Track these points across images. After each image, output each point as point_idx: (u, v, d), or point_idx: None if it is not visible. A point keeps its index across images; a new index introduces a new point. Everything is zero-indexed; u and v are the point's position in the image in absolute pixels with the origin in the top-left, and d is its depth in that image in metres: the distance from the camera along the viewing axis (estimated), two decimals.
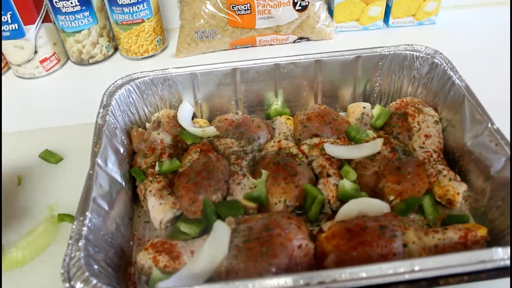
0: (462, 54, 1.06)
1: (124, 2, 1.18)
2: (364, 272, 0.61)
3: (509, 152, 0.77)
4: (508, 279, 0.69)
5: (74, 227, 0.71)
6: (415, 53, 1.01)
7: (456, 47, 1.19)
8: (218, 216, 0.81)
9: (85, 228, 0.71)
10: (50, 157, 1.02)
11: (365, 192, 0.82)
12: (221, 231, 0.74)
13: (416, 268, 0.61)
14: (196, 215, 0.82)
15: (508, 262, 0.62)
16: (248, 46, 1.31)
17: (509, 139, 0.79)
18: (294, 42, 1.32)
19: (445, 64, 0.97)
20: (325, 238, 0.74)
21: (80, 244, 0.68)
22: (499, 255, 0.62)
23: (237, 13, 1.22)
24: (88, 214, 0.73)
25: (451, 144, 0.92)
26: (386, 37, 1.36)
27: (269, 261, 0.70)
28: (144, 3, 1.20)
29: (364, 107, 1.02)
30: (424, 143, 0.91)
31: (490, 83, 1.11)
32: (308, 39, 1.33)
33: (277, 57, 1.01)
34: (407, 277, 0.60)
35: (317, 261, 0.73)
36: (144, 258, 0.76)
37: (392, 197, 0.81)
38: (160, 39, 1.31)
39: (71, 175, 0.97)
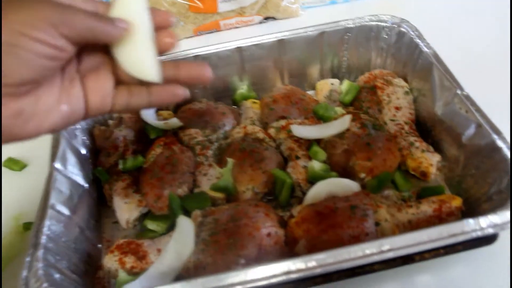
0: (430, 21, 1.03)
1: None
2: (332, 257, 0.58)
3: (479, 118, 0.74)
4: (488, 246, 0.67)
5: (32, 236, 0.68)
6: (381, 24, 0.97)
7: (424, 15, 1.16)
8: (185, 210, 0.78)
9: (43, 237, 0.68)
10: (13, 164, 0.98)
11: (335, 172, 0.79)
12: (185, 226, 0.71)
13: (385, 248, 0.58)
14: (163, 211, 0.79)
15: (479, 233, 0.59)
16: (213, 31, 1.27)
17: (479, 105, 0.76)
18: (260, 22, 1.28)
19: (411, 33, 0.93)
20: (295, 223, 0.71)
21: (38, 254, 0.65)
22: (470, 226, 0.59)
23: None
24: (46, 221, 0.70)
25: (423, 114, 0.89)
26: (356, 9, 1.32)
27: (238, 252, 0.67)
28: None
29: (332, 84, 0.99)
30: (395, 115, 0.88)
31: (460, 49, 1.08)
32: (274, 19, 1.29)
33: (238, 40, 0.97)
34: (376, 258, 0.58)
35: (289, 248, 0.71)
36: (110, 261, 0.73)
37: (363, 175, 0.78)
38: None
39: (36, 181, 0.93)
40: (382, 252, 0.58)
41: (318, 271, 0.57)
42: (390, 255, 0.58)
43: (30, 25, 0.45)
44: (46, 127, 0.51)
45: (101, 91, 0.56)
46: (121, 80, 0.58)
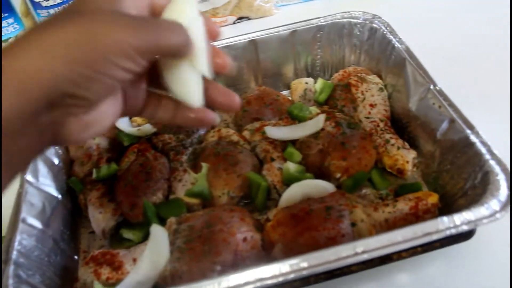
0: (402, 17, 1.02)
1: (48, 4, 1.12)
2: (305, 262, 0.57)
3: (452, 113, 0.73)
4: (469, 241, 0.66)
5: (2, 252, 0.66)
6: (353, 20, 0.97)
7: (397, 10, 1.16)
8: (161, 217, 0.77)
9: (14, 252, 0.66)
10: None
11: (311, 173, 0.79)
12: (158, 234, 0.70)
13: (359, 250, 0.57)
14: (138, 219, 0.78)
15: (454, 231, 0.59)
16: None
17: (452, 100, 0.76)
18: (234, 23, 1.27)
19: (384, 28, 0.93)
20: (271, 227, 0.70)
21: (9, 270, 0.64)
22: (445, 224, 0.59)
23: None
24: (17, 236, 0.68)
25: (398, 111, 0.88)
26: (331, 6, 1.31)
27: (213, 259, 0.66)
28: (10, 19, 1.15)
29: (307, 83, 0.98)
30: (369, 113, 0.87)
31: (433, 44, 1.07)
32: (248, 18, 1.28)
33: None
34: (350, 261, 0.57)
35: (266, 252, 0.70)
36: (85, 273, 0.72)
37: (339, 175, 0.78)
38: None
39: (7, 195, 0.92)
40: (356, 254, 0.57)
41: (292, 276, 0.56)
42: (365, 257, 0.57)
43: (116, 51, 0.42)
44: (99, 131, 0.50)
45: (135, 97, 0.54)
46: (154, 86, 0.56)
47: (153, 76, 0.54)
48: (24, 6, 1.19)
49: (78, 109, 0.45)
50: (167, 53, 0.49)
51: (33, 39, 0.41)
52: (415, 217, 0.70)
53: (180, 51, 0.49)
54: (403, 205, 0.71)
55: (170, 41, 0.47)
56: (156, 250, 0.69)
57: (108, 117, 0.50)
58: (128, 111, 0.55)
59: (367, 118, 0.86)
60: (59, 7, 1.13)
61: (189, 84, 0.52)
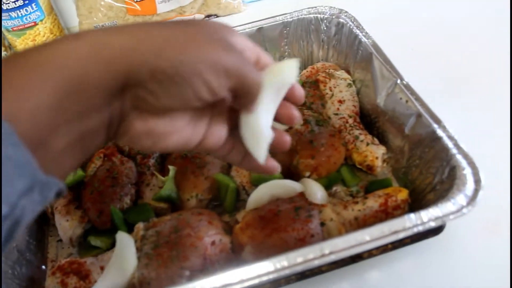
0: (370, 10, 1.02)
1: (9, 6, 1.09)
2: (272, 265, 0.56)
3: (419, 107, 0.73)
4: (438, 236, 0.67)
5: None
6: (319, 15, 0.96)
7: (363, 4, 1.16)
8: (128, 223, 0.75)
9: None
10: None
11: (279, 173, 0.77)
12: (125, 242, 0.68)
13: (326, 251, 0.56)
14: (106, 226, 0.76)
15: (421, 228, 0.58)
16: None
17: (419, 94, 0.75)
18: None
19: (350, 23, 0.92)
20: (239, 229, 0.69)
21: None
22: (412, 221, 0.58)
23: (135, 0, 1.15)
24: None
25: (367, 106, 0.88)
26: (300, 1, 1.29)
27: (181, 264, 0.65)
28: (33, 5, 1.11)
29: None
30: (338, 109, 0.86)
31: (401, 38, 1.07)
32: (217, 16, 1.26)
33: None
34: (317, 262, 0.56)
35: (236, 254, 0.69)
36: (52, 284, 0.70)
37: (308, 173, 0.77)
38: None
39: None
40: (323, 256, 0.56)
41: (257, 281, 0.55)
42: (332, 258, 0.56)
43: (206, 65, 0.42)
44: (160, 147, 0.50)
45: (217, 135, 0.54)
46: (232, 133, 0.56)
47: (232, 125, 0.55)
48: None
49: (145, 105, 0.44)
50: (242, 86, 0.47)
51: (136, 25, 0.42)
52: (385, 213, 0.69)
53: (250, 91, 0.48)
54: (373, 202, 0.70)
55: (250, 74, 0.46)
56: (122, 258, 0.68)
57: (174, 134, 0.50)
58: (205, 148, 0.54)
59: (336, 114, 0.85)
60: (21, 10, 1.10)
61: (258, 140, 0.53)
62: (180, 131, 0.49)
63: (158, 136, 0.48)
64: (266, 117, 0.53)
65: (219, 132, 0.54)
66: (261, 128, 0.52)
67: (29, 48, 0.39)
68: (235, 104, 0.50)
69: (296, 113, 0.56)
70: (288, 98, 0.55)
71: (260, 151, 0.54)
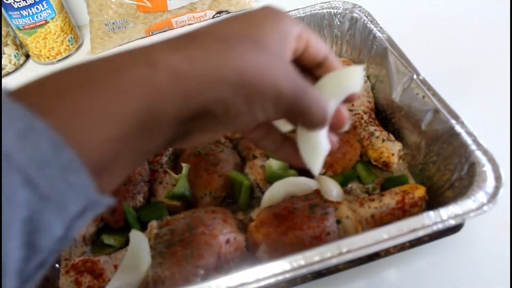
0: (384, 5, 1.01)
1: (20, 5, 1.08)
2: (288, 264, 0.55)
3: (436, 103, 0.72)
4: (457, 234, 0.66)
5: None
6: (332, 10, 0.95)
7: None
8: (142, 221, 0.75)
9: None
10: None
11: (294, 170, 0.76)
12: (138, 240, 0.68)
13: (344, 250, 0.55)
14: (119, 224, 0.76)
15: (441, 226, 0.57)
16: (165, 30, 1.23)
17: (436, 89, 0.74)
18: (213, 17, 1.24)
19: (364, 18, 0.91)
20: (254, 227, 0.68)
21: None
22: (431, 219, 0.57)
23: None
24: None
25: (382, 102, 0.86)
26: None
27: (195, 263, 0.64)
28: (44, 3, 1.11)
29: None
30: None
31: (416, 32, 1.05)
32: (228, 12, 1.25)
33: None
34: (334, 261, 0.55)
35: (251, 252, 0.68)
36: (66, 282, 0.69)
37: (323, 170, 0.76)
38: (71, 37, 1.22)
39: None
40: (341, 254, 0.55)
41: (273, 280, 0.54)
42: (350, 256, 0.55)
43: (271, 96, 0.42)
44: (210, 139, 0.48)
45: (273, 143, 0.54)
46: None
47: None
48: None
49: (212, 129, 0.44)
50: (302, 122, 0.47)
51: (211, 45, 0.40)
52: (402, 211, 0.68)
53: (312, 126, 0.48)
54: (390, 200, 0.69)
55: (311, 114, 0.45)
56: (136, 256, 0.67)
57: (219, 131, 0.48)
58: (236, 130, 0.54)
59: (351, 110, 0.84)
60: (32, 8, 1.10)
61: (316, 153, 0.52)
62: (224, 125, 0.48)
63: (210, 134, 0.47)
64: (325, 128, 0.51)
65: (274, 140, 0.54)
66: (320, 141, 0.51)
67: (98, 62, 0.37)
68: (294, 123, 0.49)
69: (347, 118, 0.53)
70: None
71: (316, 164, 0.53)
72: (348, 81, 0.49)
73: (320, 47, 0.50)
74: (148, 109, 0.36)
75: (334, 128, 0.52)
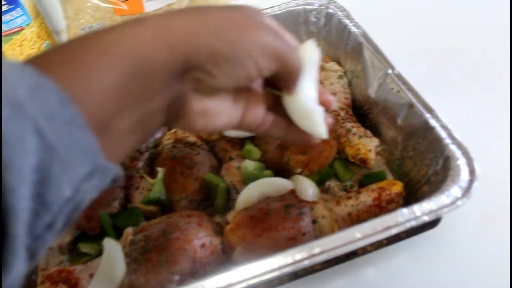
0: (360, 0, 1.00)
1: None
2: (260, 268, 0.54)
3: (411, 97, 0.71)
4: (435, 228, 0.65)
5: None
6: (308, 7, 0.94)
7: None
8: (118, 228, 0.74)
9: None
10: None
11: (271, 170, 0.76)
12: (112, 248, 0.67)
13: (316, 251, 0.55)
14: (96, 232, 0.75)
15: (414, 222, 0.56)
16: None
17: (412, 83, 0.73)
18: None
19: (340, 13, 0.90)
20: (230, 230, 0.67)
21: None
22: (405, 216, 0.57)
23: (122, 0, 1.13)
24: None
25: (359, 97, 0.85)
26: None
27: (170, 269, 0.63)
28: (18, 9, 1.09)
29: None
30: None
31: (391, 27, 1.04)
32: None
33: None
34: (306, 263, 0.54)
35: (228, 256, 0.67)
36: None
37: (299, 170, 0.75)
38: (49, 43, 1.20)
39: None
40: (313, 255, 0.54)
41: (245, 285, 0.53)
42: (322, 257, 0.54)
43: (259, 48, 0.45)
44: (215, 126, 0.52)
45: (255, 113, 0.56)
46: (272, 107, 0.58)
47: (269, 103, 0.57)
48: None
49: (203, 86, 0.46)
50: (285, 67, 0.49)
51: (194, 9, 0.45)
52: (379, 208, 0.67)
53: (292, 72, 0.51)
54: (366, 197, 0.68)
55: (293, 57, 0.49)
56: (111, 264, 0.66)
57: (223, 117, 0.52)
58: (245, 126, 0.56)
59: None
60: (6, 15, 1.08)
61: (312, 118, 0.55)
62: (226, 111, 0.52)
63: (212, 116, 0.50)
64: (311, 94, 0.54)
65: (257, 110, 0.56)
66: (310, 106, 0.54)
67: (94, 31, 0.40)
68: (278, 86, 0.54)
69: (331, 97, 0.60)
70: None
71: (318, 127, 0.56)
72: (310, 52, 0.53)
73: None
74: (138, 59, 0.39)
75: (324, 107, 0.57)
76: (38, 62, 0.36)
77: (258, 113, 0.56)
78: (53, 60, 0.37)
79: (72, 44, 0.39)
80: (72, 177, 0.34)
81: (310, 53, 0.53)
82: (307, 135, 0.58)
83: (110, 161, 0.37)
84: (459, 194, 0.58)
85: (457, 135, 0.65)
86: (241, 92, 0.54)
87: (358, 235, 0.55)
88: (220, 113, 0.51)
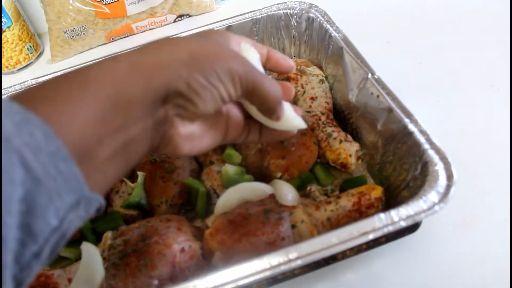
0: (341, 4, 1.00)
1: None
2: (237, 272, 0.54)
3: (390, 102, 0.71)
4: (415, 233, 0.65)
5: None
6: (289, 11, 0.94)
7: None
8: (98, 232, 0.73)
9: None
10: None
11: (252, 174, 0.76)
12: (90, 252, 0.66)
13: (292, 256, 0.54)
14: (75, 236, 0.74)
15: (391, 228, 0.56)
16: (126, 35, 1.21)
17: (393, 88, 0.73)
18: (175, 21, 1.23)
19: (321, 17, 0.90)
20: (209, 235, 0.66)
21: None
22: (382, 222, 0.56)
23: (104, 3, 1.12)
24: None
25: (340, 102, 0.85)
26: None
27: (149, 274, 0.63)
28: None
29: None
30: (310, 106, 0.84)
31: (375, 31, 1.05)
32: (189, 15, 1.23)
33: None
34: (283, 268, 0.54)
35: (207, 260, 0.67)
36: None
37: (279, 174, 0.75)
38: (30, 46, 1.20)
39: None
40: (290, 261, 0.54)
41: None
42: (299, 263, 0.54)
43: (226, 73, 0.48)
44: (200, 148, 0.56)
45: (235, 127, 0.60)
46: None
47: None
48: None
49: (186, 112, 0.49)
50: (256, 90, 0.53)
51: (163, 43, 0.48)
52: (358, 213, 0.67)
53: (270, 105, 0.55)
54: (346, 202, 0.68)
55: (268, 90, 0.53)
56: (89, 269, 0.65)
57: (208, 138, 0.56)
58: (229, 141, 0.60)
59: (308, 112, 0.83)
60: None
61: (288, 116, 0.59)
62: (210, 131, 0.56)
63: (197, 139, 0.54)
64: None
65: (237, 124, 0.59)
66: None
67: (74, 70, 0.44)
68: (264, 115, 0.58)
69: (286, 61, 0.64)
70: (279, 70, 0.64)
71: (294, 122, 0.60)
72: (247, 56, 0.56)
73: (258, 46, 0.60)
74: (116, 92, 0.42)
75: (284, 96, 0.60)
76: (23, 98, 0.38)
77: (239, 126, 0.59)
78: (37, 95, 0.39)
79: (55, 80, 0.42)
80: (58, 207, 0.35)
81: (248, 54, 0.57)
82: (281, 131, 0.61)
83: (94, 191, 0.39)
84: (436, 200, 0.58)
85: (435, 140, 0.65)
86: (220, 111, 0.57)
87: (335, 241, 0.55)
88: (204, 135, 0.55)
